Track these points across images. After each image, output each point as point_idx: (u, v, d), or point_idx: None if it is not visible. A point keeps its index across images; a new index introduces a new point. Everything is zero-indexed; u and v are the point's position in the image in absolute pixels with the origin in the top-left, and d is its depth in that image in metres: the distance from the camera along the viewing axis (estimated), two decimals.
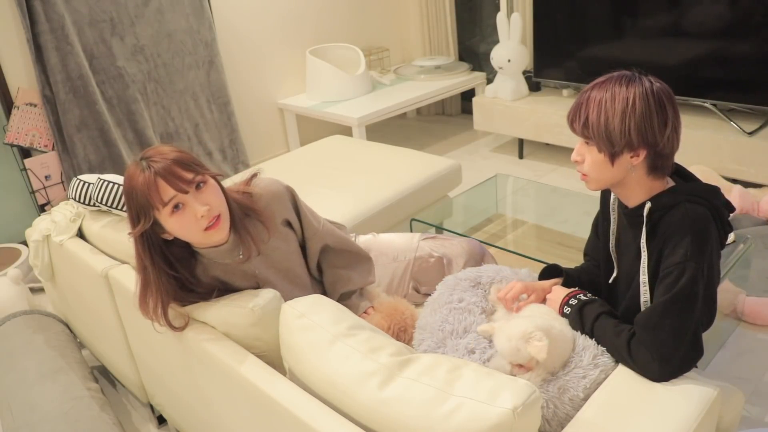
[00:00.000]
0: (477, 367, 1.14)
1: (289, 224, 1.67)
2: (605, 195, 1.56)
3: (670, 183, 1.39)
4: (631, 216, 1.41)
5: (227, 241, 1.51)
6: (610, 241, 1.52)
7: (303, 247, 1.73)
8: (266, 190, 1.60)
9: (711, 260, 1.30)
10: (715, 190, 1.36)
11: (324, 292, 1.77)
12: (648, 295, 1.36)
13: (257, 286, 1.61)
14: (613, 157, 1.31)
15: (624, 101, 1.28)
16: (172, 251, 1.50)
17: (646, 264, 1.36)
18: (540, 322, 1.33)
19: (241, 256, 1.56)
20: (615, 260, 1.52)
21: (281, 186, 1.63)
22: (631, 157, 1.31)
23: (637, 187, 1.36)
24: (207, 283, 1.56)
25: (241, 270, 1.58)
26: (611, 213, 1.50)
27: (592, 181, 1.38)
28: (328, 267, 1.76)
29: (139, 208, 1.39)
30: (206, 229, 1.42)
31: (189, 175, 1.39)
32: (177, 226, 1.41)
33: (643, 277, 1.36)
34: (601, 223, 1.57)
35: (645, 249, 1.36)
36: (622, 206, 1.45)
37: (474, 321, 1.48)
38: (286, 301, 1.44)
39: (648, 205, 1.34)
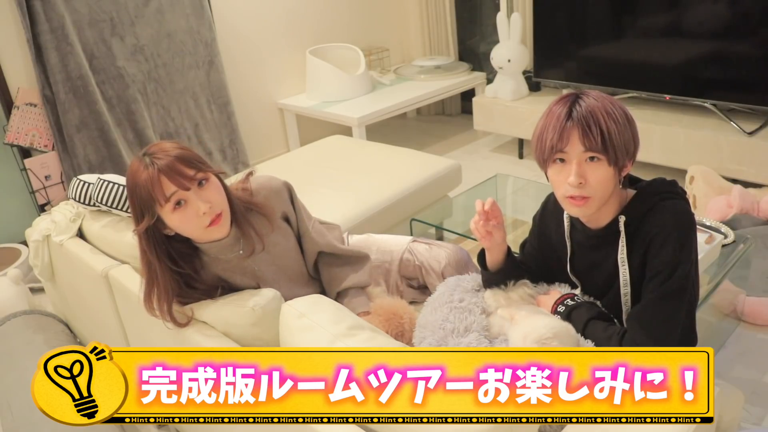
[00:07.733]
0: None
1: (287, 220, 1.68)
2: (549, 222, 1.50)
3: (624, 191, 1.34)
4: (600, 237, 1.35)
5: (228, 236, 1.52)
6: (567, 267, 1.47)
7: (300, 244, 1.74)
8: (265, 186, 1.62)
9: (696, 247, 1.29)
10: (674, 181, 1.34)
11: (323, 291, 1.78)
12: (630, 305, 1.34)
13: (257, 285, 1.61)
14: (621, 170, 1.26)
15: (620, 108, 1.25)
16: (175, 247, 1.51)
17: (627, 277, 1.32)
18: (559, 327, 1.31)
19: (241, 252, 1.57)
20: (578, 282, 1.48)
21: (279, 181, 1.66)
22: (626, 167, 1.28)
23: (612, 201, 1.31)
24: (210, 281, 1.57)
25: (241, 267, 1.59)
26: (566, 241, 1.44)
27: (596, 201, 1.26)
28: (324, 266, 1.77)
29: (142, 205, 1.41)
30: (208, 225, 1.44)
31: (191, 172, 1.41)
32: (178, 222, 1.44)
33: (625, 289, 1.34)
34: (552, 249, 1.50)
35: (625, 263, 1.32)
36: (583, 231, 1.38)
37: (475, 320, 1.48)
38: (285, 299, 1.45)
39: (622, 218, 1.30)
